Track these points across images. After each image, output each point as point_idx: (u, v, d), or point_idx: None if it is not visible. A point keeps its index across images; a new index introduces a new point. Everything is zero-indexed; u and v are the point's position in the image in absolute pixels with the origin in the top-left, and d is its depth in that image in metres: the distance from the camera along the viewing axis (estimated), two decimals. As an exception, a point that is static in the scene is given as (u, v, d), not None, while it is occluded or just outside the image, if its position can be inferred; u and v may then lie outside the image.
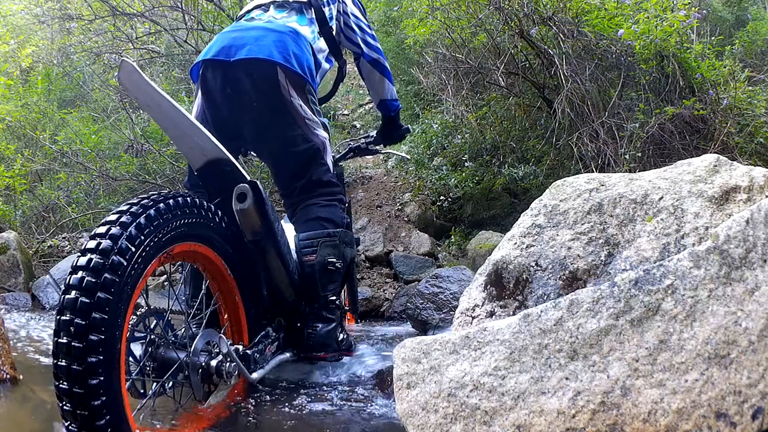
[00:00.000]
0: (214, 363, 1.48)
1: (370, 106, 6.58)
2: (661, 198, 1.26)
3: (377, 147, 2.62)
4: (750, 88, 3.66)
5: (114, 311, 1.17)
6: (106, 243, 1.20)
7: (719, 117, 3.51)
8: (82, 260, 1.18)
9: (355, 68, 2.47)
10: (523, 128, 4.55)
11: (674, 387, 0.91)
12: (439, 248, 4.24)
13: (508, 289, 1.36)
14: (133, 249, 1.23)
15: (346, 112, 7.16)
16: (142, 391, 1.38)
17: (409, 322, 2.86)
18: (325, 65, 2.16)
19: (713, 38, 4.47)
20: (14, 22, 7.47)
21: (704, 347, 0.92)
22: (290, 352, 1.90)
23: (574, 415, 0.96)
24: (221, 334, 1.57)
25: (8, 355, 1.95)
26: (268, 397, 1.76)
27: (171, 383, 1.43)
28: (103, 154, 5.36)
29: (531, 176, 4.12)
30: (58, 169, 5.45)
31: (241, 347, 1.62)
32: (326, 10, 2.18)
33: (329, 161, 2.04)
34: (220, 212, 1.57)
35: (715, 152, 1.54)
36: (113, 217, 1.26)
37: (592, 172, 3.33)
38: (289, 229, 1.97)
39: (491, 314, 1.36)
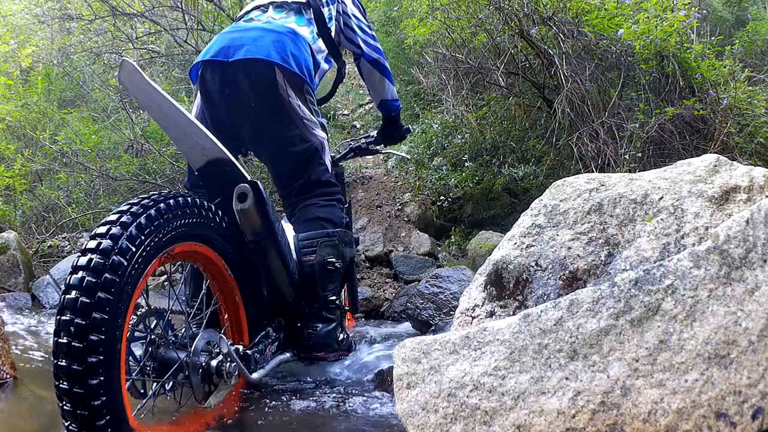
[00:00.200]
0: (214, 363, 1.48)
1: (370, 106, 6.57)
2: (661, 198, 1.26)
3: (377, 147, 2.63)
4: (750, 88, 3.65)
5: (114, 311, 1.18)
6: (106, 243, 1.20)
7: (719, 117, 3.51)
8: (83, 260, 1.19)
9: (355, 68, 2.47)
10: (523, 128, 4.55)
11: (674, 387, 0.91)
12: (439, 248, 4.24)
13: (508, 289, 1.36)
14: (134, 249, 1.23)
15: (346, 112, 7.15)
16: (142, 391, 1.38)
17: (409, 322, 2.86)
18: (324, 66, 2.16)
19: (713, 38, 4.46)
20: (14, 22, 7.46)
21: (704, 347, 0.92)
22: (290, 352, 1.90)
23: (574, 415, 0.96)
24: (221, 334, 1.57)
25: (8, 355, 1.95)
26: (268, 398, 1.76)
27: (171, 383, 1.43)
28: (103, 154, 5.35)
29: (531, 176, 4.11)
30: (58, 169, 5.44)
31: (241, 347, 1.62)
32: (325, 10, 2.18)
33: (328, 161, 2.04)
34: (220, 212, 1.57)
35: (715, 152, 1.54)
36: (113, 217, 1.26)
37: (592, 172, 3.33)
38: (288, 230, 1.97)
39: (491, 314, 1.36)
